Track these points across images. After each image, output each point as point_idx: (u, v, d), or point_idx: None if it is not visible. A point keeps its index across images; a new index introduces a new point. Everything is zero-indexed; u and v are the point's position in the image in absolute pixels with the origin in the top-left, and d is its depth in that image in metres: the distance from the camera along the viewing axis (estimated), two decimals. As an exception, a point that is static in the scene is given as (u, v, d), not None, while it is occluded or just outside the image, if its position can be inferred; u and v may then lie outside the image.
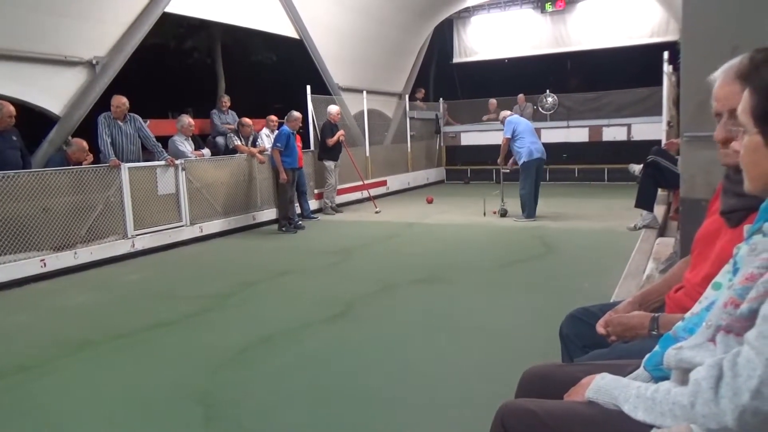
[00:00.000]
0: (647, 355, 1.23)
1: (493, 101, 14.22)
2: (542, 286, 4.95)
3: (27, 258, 5.66)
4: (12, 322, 4.58)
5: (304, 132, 9.39)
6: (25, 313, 4.82)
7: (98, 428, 2.78)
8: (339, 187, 9.98)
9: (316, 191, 9.73)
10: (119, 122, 6.92)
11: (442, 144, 14.62)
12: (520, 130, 8.14)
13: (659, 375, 1.18)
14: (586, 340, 1.98)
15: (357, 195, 10.71)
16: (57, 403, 3.08)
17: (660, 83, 9.33)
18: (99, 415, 2.91)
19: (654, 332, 1.66)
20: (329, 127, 9.40)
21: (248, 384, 3.22)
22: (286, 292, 5.23)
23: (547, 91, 13.78)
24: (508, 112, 8.70)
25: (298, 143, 8.69)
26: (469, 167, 14.35)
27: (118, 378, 3.38)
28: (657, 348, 1.22)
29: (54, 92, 6.87)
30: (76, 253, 6.08)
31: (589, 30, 14.28)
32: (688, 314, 1.28)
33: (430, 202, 10.58)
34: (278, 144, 7.93)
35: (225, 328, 4.25)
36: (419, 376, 3.22)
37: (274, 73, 17.39)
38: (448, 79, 17.65)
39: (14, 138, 6.05)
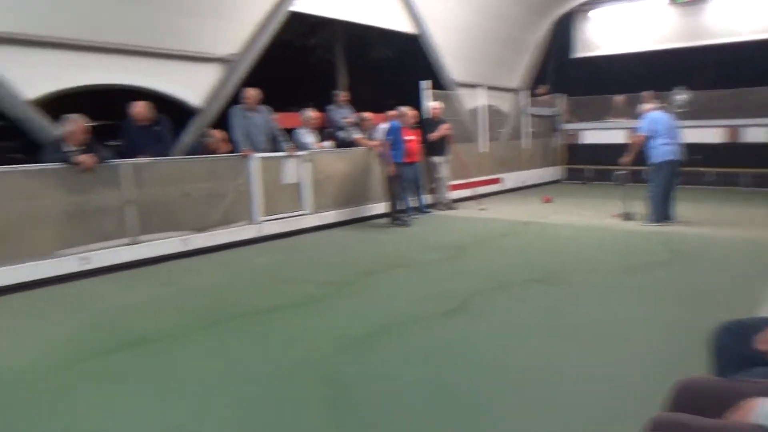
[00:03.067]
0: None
1: (619, 98, 13.49)
2: (670, 295, 4.64)
3: (170, 237, 6.22)
4: (157, 294, 5.05)
5: (421, 126, 9.43)
6: (166, 286, 5.29)
7: (224, 400, 2.99)
8: (452, 183, 9.93)
9: (431, 186, 9.77)
10: (250, 113, 7.37)
11: (560, 142, 14.10)
12: (658, 128, 7.58)
13: None
14: (742, 355, 1.84)
15: (470, 191, 10.62)
16: (192, 372, 3.36)
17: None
18: (226, 387, 3.13)
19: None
20: (431, 123, 9.40)
21: (368, 370, 3.32)
22: (401, 283, 5.31)
23: (678, 87, 12.82)
24: (651, 106, 8.05)
25: (413, 137, 8.78)
26: (590, 167, 13.71)
27: (245, 353, 3.62)
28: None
29: (194, 86, 7.41)
30: (211, 234, 6.58)
31: (726, 21, 13.03)
32: None
33: (547, 201, 10.27)
34: (388, 137, 8.04)
35: (344, 314, 4.40)
36: (542, 380, 3.14)
37: (391, 68, 17.66)
38: (568, 75, 16.98)
39: (157, 128, 6.66)
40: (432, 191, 9.62)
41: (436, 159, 9.42)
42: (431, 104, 9.68)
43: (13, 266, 5.09)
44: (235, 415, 2.82)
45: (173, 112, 7.58)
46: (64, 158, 5.47)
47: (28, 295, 4.99)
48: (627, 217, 8.08)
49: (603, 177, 13.23)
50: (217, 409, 2.87)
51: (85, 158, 5.51)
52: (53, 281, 5.25)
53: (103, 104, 8.63)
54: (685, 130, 12.05)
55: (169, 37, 6.94)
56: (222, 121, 7.63)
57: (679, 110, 12.68)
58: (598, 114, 13.81)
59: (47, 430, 2.74)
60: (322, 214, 7.94)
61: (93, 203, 5.63)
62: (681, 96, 12.66)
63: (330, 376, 3.22)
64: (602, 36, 14.77)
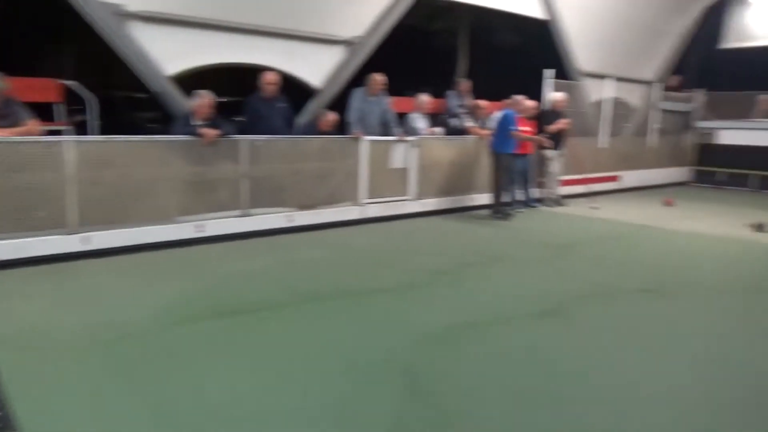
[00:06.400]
0: None
1: (764, 97, 12.12)
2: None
3: (277, 212, 6.54)
4: (262, 265, 5.35)
5: (538, 116, 9.09)
6: (270, 259, 5.57)
7: (307, 374, 3.12)
8: (565, 178, 9.51)
9: (540, 180, 9.42)
10: (371, 98, 7.51)
11: (693, 140, 12.96)
12: None
13: None
14: None
15: (584, 188, 10.11)
16: (281, 344, 3.53)
17: None
18: (311, 362, 3.27)
19: None
20: (551, 114, 9.00)
21: (453, 364, 3.30)
22: (497, 278, 5.21)
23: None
24: None
25: (528, 128, 8.49)
26: (723, 170, 12.49)
27: (334, 332, 3.75)
28: None
29: (316, 67, 7.67)
30: (316, 213, 6.83)
31: None
32: None
33: (669, 204, 9.53)
34: (511, 127, 7.81)
35: (437, 304, 4.39)
36: (633, 397, 2.97)
37: (515, 56, 17.10)
38: (712, 67, 15.47)
39: (280, 105, 6.93)
40: (541, 185, 9.28)
41: (549, 153, 9.04)
42: (553, 95, 9.29)
43: (138, 228, 5.57)
44: (314, 388, 2.94)
45: (291, 92, 7.92)
46: (191, 131, 5.90)
47: (148, 255, 5.46)
48: (760, 228, 7.30)
49: (737, 182, 12.05)
50: (298, 381, 3.01)
51: (208, 132, 5.91)
52: (172, 245, 5.70)
53: (231, 81, 9.18)
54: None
55: (299, 18, 7.23)
56: (337, 103, 7.85)
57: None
58: (740, 112, 12.48)
59: (147, 389, 3.02)
60: (424, 200, 7.94)
61: (212, 175, 6.04)
62: None
63: (415, 367, 3.24)
64: (761, 24, 13.25)
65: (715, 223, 7.98)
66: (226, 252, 5.73)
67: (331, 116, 7.51)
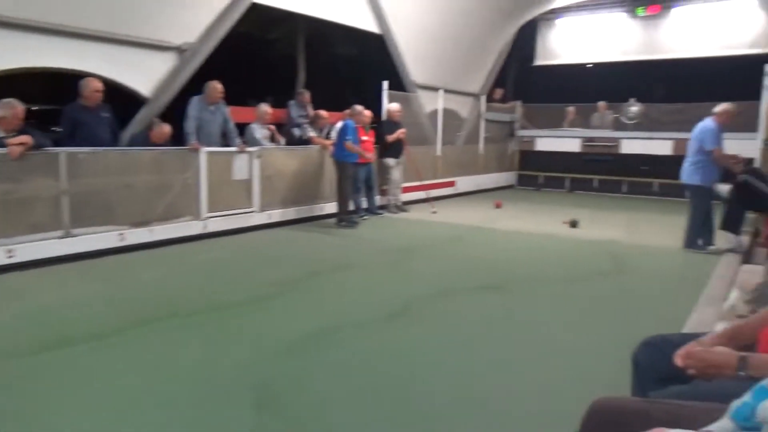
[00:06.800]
0: (735, 404, 1.11)
1: (571, 109, 13.79)
2: (610, 306, 4.72)
3: (107, 231, 5.96)
4: (87, 290, 4.83)
5: (377, 127, 9.38)
6: (102, 283, 5.07)
7: (152, 402, 2.87)
8: (404, 185, 9.92)
9: (383, 188, 9.72)
10: (210, 107, 7.17)
11: (515, 148, 14.28)
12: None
13: (748, 428, 1.06)
14: (662, 371, 1.84)
15: (423, 194, 10.63)
16: (119, 374, 3.20)
17: (756, 97, 8.70)
18: (155, 389, 3.01)
19: (741, 373, 1.51)
20: (389, 124, 9.37)
21: (303, 375, 3.24)
22: (346, 285, 5.25)
23: (632, 99, 13.18)
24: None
25: (370, 138, 8.72)
26: (542, 173, 13.94)
27: (178, 355, 3.49)
28: (748, 398, 1.10)
29: (145, 75, 7.15)
30: (151, 230, 6.35)
31: (682, 37, 13.54)
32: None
33: (498, 206, 10.36)
34: (349, 137, 7.93)
35: (285, 316, 4.31)
36: (475, 387, 3.13)
37: (352, 67, 17.56)
38: (527, 81, 17.23)
39: (105, 114, 6.36)
40: (384, 192, 9.58)
41: (390, 161, 9.37)
42: (389, 106, 9.64)
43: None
44: (156, 419, 2.69)
45: (123, 101, 7.31)
46: (-5, 144, 5.17)
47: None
48: (574, 224, 8.22)
49: (554, 184, 13.52)
50: (139, 413, 2.74)
51: (15, 146, 5.21)
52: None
53: (46, 88, 8.25)
54: (635, 142, 12.51)
55: (123, 22, 6.67)
56: (173, 114, 7.40)
57: (631, 122, 13.05)
58: (553, 122, 14.07)
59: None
60: (270, 212, 7.77)
61: (23, 192, 5.34)
62: (633, 108, 13.01)
63: (264, 381, 3.12)
64: (563, 45, 15.08)
65: (538, 222, 8.83)
66: (46, 278, 5.10)
67: (165, 127, 7.04)
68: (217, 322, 4.13)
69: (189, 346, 3.65)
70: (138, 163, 6.27)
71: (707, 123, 6.70)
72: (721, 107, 6.71)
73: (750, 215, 6.71)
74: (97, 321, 4.04)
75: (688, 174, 6.80)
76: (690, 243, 6.81)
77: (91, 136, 6.07)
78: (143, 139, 6.88)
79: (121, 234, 6.05)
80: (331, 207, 8.51)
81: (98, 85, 6.24)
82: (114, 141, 6.45)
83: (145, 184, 6.33)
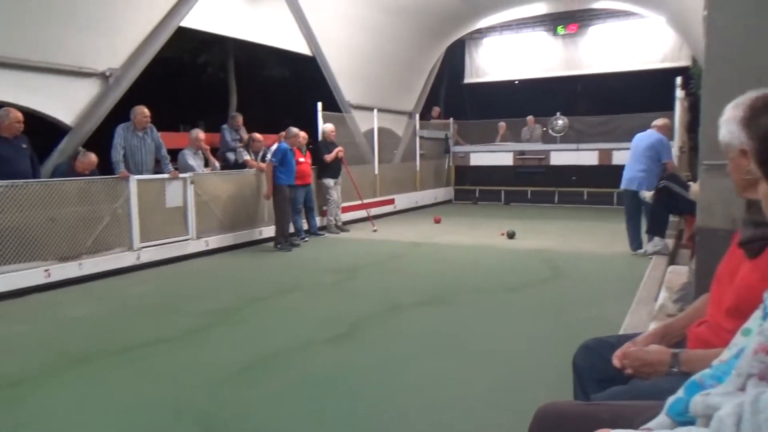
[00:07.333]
0: (670, 401, 1.15)
1: (502, 124, 14.28)
2: (550, 312, 4.85)
3: (31, 268, 5.62)
4: (11, 332, 4.53)
5: (314, 148, 9.35)
6: (26, 324, 4.77)
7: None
8: (344, 205, 9.91)
9: (323, 208, 9.68)
10: (139, 133, 6.93)
11: (451, 164, 14.57)
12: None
13: (683, 423, 1.10)
14: (602, 373, 1.88)
15: (364, 213, 10.66)
16: (52, 420, 3.00)
17: (671, 108, 9.27)
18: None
19: (675, 369, 1.57)
20: (325, 145, 9.38)
21: (248, 404, 3.14)
22: (289, 310, 5.15)
23: (558, 113, 13.76)
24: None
25: (306, 160, 8.67)
26: (478, 188, 14.28)
27: (116, 394, 3.30)
28: (681, 394, 1.14)
29: (66, 103, 6.88)
30: (80, 264, 6.04)
31: (600, 54, 14.40)
32: (715, 361, 1.20)
33: (437, 222, 10.51)
34: (273, 159, 7.83)
35: (227, 345, 4.18)
36: (423, 401, 3.13)
37: (286, 89, 17.50)
38: (459, 99, 17.70)
39: (24, 146, 6.05)
40: (324, 213, 9.53)
41: (329, 181, 9.34)
42: (324, 126, 9.64)
43: None
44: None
45: (44, 130, 6.97)
46: None
47: None
48: (511, 236, 8.43)
49: (490, 197, 13.87)
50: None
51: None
52: None
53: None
54: (563, 153, 13.05)
55: (41, 49, 6.39)
56: (99, 142, 7.12)
57: (558, 135, 13.62)
58: (486, 137, 14.48)
59: None
60: (207, 238, 7.56)
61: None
62: (560, 122, 13.59)
63: (208, 414, 3.01)
64: (491, 63, 15.63)
65: (476, 235, 9.01)
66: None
67: (91, 156, 6.75)
68: (153, 357, 3.95)
69: (125, 384, 3.46)
70: (62, 194, 5.97)
71: (657, 135, 6.97)
72: (662, 121, 7.09)
73: (673, 218, 7.09)
74: (17, 366, 3.77)
75: (638, 182, 7.02)
76: (638, 245, 7.08)
77: (9, 168, 5.75)
78: (68, 170, 6.58)
79: (47, 270, 5.73)
80: (269, 231, 8.37)
81: (19, 116, 5.95)
82: (35, 173, 6.13)
83: (71, 215, 6.03)
